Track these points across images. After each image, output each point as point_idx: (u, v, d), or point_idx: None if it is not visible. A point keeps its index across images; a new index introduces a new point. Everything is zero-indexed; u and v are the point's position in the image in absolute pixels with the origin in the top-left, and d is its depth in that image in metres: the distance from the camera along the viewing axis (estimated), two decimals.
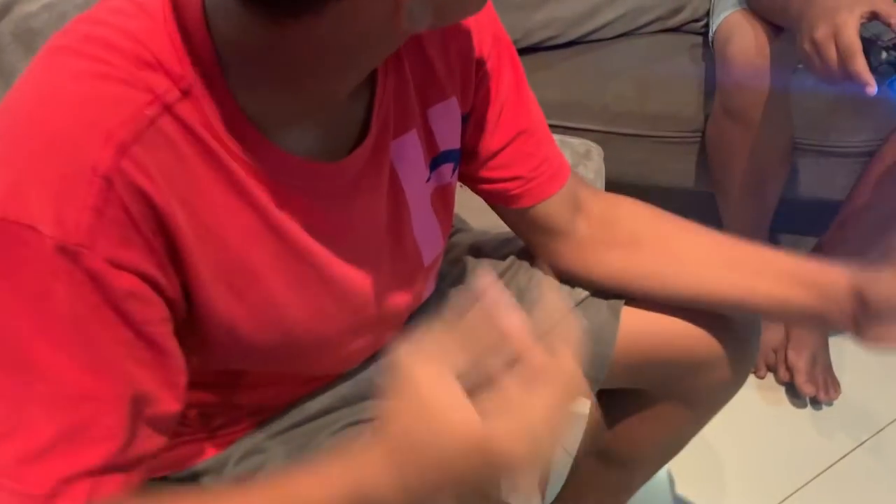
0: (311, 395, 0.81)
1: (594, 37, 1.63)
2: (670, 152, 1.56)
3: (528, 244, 0.90)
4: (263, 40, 0.54)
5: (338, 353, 0.75)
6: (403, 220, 0.73)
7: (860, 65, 1.02)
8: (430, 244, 0.77)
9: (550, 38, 1.60)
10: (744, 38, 1.36)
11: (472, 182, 0.82)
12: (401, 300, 0.76)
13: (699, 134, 1.52)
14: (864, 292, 0.77)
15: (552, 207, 0.82)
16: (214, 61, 0.55)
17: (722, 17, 1.45)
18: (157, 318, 0.56)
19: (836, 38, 1.05)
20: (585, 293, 0.88)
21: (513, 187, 0.80)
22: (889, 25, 1.05)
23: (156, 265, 0.55)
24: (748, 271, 0.84)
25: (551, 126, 0.84)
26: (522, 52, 1.33)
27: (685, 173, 1.58)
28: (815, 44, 1.07)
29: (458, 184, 0.82)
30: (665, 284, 0.86)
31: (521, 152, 0.79)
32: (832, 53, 1.05)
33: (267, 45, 0.54)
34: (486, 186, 0.81)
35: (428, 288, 0.83)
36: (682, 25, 1.65)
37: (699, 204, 1.48)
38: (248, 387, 0.75)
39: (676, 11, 1.64)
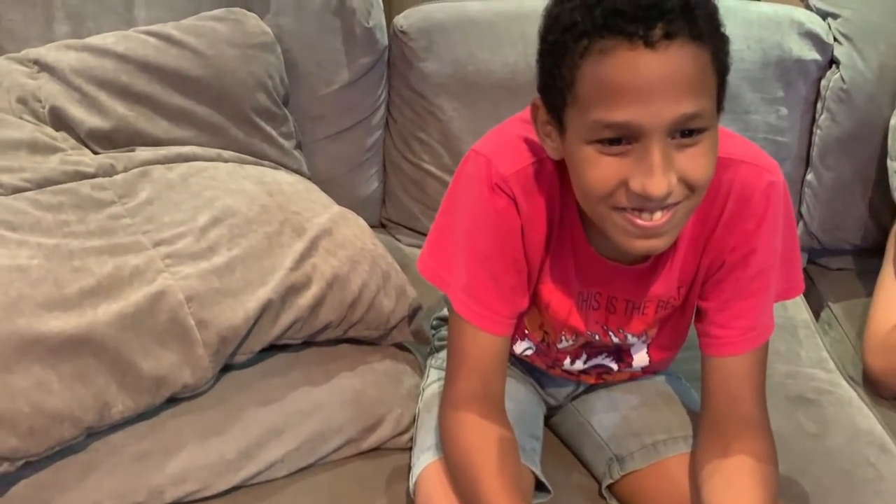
0: None
1: (261, 478, 1.19)
2: None
3: None
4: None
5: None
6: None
7: None
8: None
9: (191, 494, 1.14)
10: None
11: None
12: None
13: None
14: None
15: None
16: None
17: (421, 465, 1.09)
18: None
19: None
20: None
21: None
22: None
23: None
24: None
25: None
26: None
27: None
28: None
29: None
30: None
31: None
32: None
33: None
34: None
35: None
36: (381, 445, 1.26)
37: None
38: None
39: (371, 429, 1.25)
